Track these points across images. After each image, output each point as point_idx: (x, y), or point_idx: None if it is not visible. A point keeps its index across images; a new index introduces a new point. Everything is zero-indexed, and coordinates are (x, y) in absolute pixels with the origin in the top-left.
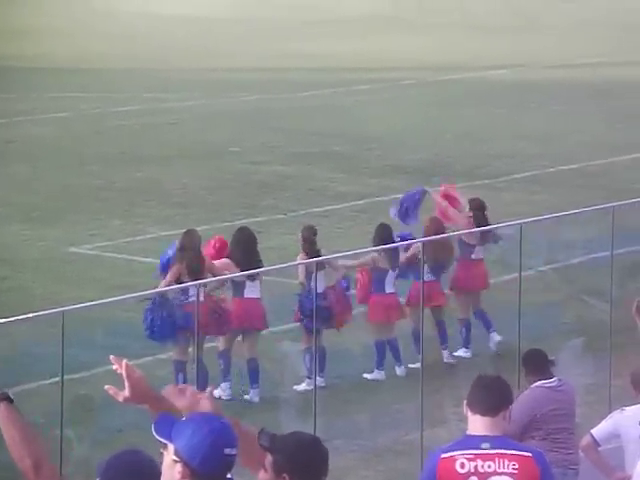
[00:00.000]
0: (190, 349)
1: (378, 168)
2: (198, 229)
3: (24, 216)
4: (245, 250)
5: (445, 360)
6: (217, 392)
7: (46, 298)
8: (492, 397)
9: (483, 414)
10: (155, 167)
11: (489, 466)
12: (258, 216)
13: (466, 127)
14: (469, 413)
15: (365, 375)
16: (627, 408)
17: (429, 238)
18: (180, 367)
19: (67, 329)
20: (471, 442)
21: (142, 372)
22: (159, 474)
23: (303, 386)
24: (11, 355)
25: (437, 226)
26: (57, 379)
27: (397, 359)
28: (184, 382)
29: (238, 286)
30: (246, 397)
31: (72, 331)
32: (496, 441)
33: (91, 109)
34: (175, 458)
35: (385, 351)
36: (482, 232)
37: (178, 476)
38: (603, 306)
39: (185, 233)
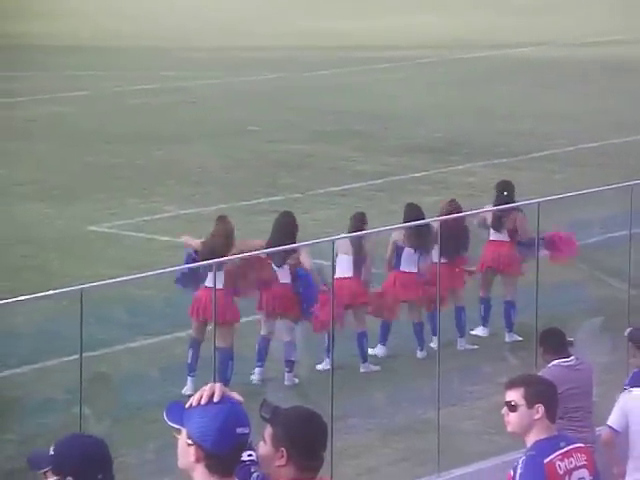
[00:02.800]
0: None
1: (397, 146)
2: (216, 208)
3: (44, 194)
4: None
5: (459, 347)
6: (252, 377)
7: (65, 276)
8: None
9: (553, 421)
10: (174, 146)
11: (571, 462)
12: (277, 195)
13: (485, 105)
14: (543, 419)
15: (370, 351)
16: (634, 389)
17: (442, 218)
18: (192, 344)
19: (86, 307)
20: (553, 444)
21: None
22: (110, 457)
23: (322, 365)
24: (31, 332)
25: (454, 207)
26: (76, 356)
27: (419, 343)
28: (193, 359)
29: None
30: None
31: (91, 309)
32: (566, 439)
33: (111, 88)
34: (188, 441)
35: (388, 328)
36: (498, 217)
37: (192, 459)
38: (621, 285)
39: (218, 219)
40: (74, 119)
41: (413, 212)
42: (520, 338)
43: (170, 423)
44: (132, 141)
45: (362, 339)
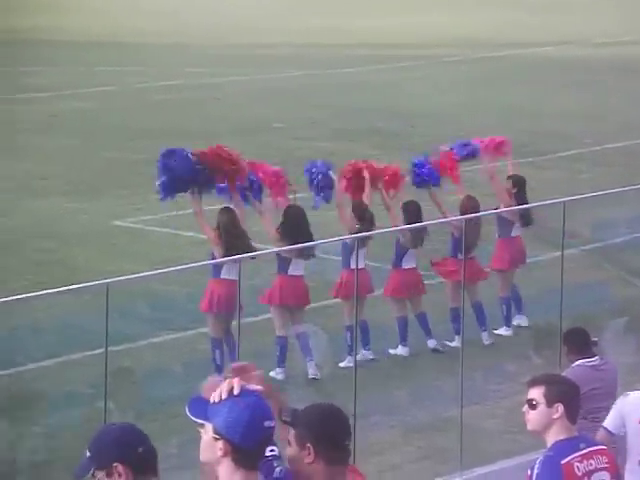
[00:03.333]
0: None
1: (421, 145)
2: None
3: (69, 189)
4: (296, 226)
5: (485, 342)
6: (272, 374)
7: (90, 271)
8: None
9: (574, 422)
10: (199, 142)
11: (591, 464)
12: (301, 192)
13: (511, 104)
14: (562, 419)
15: (390, 350)
16: (631, 393)
17: (465, 216)
18: (216, 344)
19: (110, 301)
20: (572, 445)
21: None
22: (142, 432)
23: (345, 363)
24: (56, 326)
25: (473, 204)
26: (101, 350)
27: (427, 333)
28: (222, 359)
29: (283, 262)
30: (311, 376)
31: (115, 303)
32: (586, 440)
33: (135, 83)
34: (215, 436)
35: (406, 326)
36: (519, 210)
37: (220, 453)
38: None
39: (221, 211)
40: (97, 115)
41: (412, 208)
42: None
43: (193, 418)
44: (156, 137)
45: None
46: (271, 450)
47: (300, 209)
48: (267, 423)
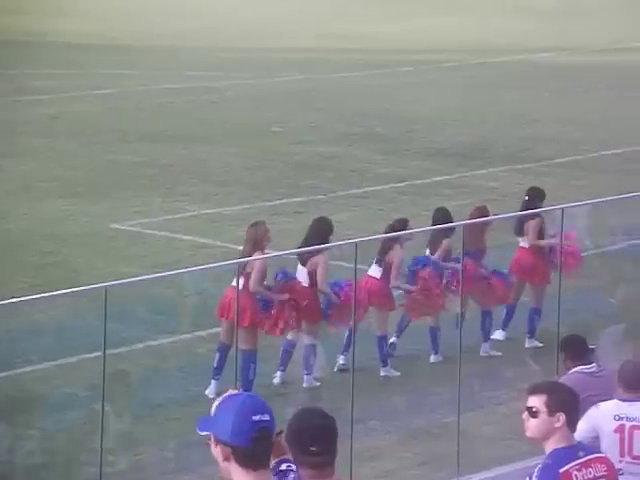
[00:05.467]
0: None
1: (419, 150)
2: (239, 208)
3: (68, 191)
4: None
5: (482, 354)
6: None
7: (88, 273)
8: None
9: (574, 430)
10: (198, 145)
11: (589, 472)
12: (299, 196)
13: (509, 110)
14: (563, 428)
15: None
16: (602, 404)
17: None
18: (218, 348)
19: (108, 304)
20: (571, 453)
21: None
22: None
23: (338, 361)
24: (54, 328)
25: (481, 214)
26: (98, 353)
27: (433, 347)
28: (219, 364)
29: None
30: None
31: (113, 306)
32: (584, 448)
33: (136, 86)
34: (213, 443)
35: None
36: (519, 223)
37: (220, 458)
38: None
39: (250, 226)
40: (98, 117)
41: (438, 216)
42: (540, 344)
43: (199, 432)
44: (156, 140)
45: (382, 342)
46: (288, 466)
47: (321, 223)
48: (256, 417)
